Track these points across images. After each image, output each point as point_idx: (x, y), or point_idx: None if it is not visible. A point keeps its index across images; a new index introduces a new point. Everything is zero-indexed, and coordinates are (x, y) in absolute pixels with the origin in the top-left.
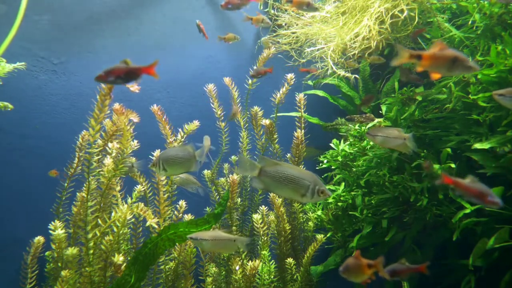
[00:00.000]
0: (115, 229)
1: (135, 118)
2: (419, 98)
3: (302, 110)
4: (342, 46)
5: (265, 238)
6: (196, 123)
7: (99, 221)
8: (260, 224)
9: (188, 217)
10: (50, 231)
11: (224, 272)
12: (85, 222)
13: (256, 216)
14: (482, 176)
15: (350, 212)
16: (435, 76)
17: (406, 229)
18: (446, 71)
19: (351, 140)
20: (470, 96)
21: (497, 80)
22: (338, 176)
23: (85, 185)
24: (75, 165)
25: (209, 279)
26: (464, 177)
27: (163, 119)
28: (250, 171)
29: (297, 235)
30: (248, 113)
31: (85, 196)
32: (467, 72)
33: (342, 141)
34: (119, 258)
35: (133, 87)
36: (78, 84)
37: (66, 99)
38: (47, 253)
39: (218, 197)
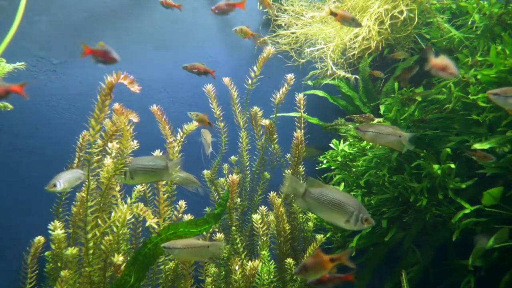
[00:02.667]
0: (114, 229)
1: (134, 118)
2: (419, 99)
3: (302, 110)
4: (342, 46)
5: (265, 238)
6: (195, 123)
7: (99, 221)
8: (260, 224)
9: (187, 217)
10: (50, 231)
11: (223, 272)
12: (84, 222)
13: (255, 216)
14: (482, 176)
15: None
16: None
17: (405, 229)
18: None
19: (350, 140)
20: (469, 96)
21: (496, 81)
22: (337, 176)
23: (84, 185)
24: (75, 165)
25: (208, 279)
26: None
27: (163, 119)
28: (295, 191)
29: (296, 235)
30: (247, 113)
31: (85, 196)
32: None
33: (341, 141)
34: (118, 258)
35: (134, 87)
36: (78, 84)
37: (66, 99)
38: (46, 253)
39: (217, 197)
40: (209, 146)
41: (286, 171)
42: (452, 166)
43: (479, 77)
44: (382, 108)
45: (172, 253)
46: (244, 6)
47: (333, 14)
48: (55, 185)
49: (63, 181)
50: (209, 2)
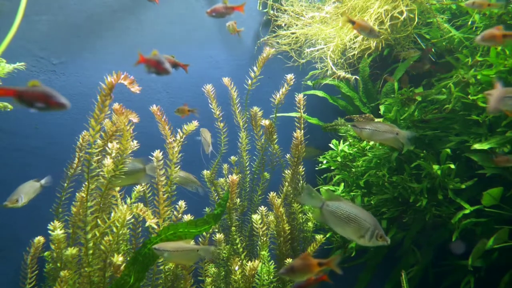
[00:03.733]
0: (114, 230)
1: (134, 119)
2: (419, 99)
3: (302, 111)
4: (342, 46)
5: (265, 239)
6: (195, 123)
7: (99, 222)
8: (260, 224)
9: (187, 217)
10: (49, 232)
11: (223, 273)
12: (84, 223)
13: (255, 217)
14: (481, 176)
15: None
16: None
17: (405, 229)
18: None
19: (350, 140)
20: (469, 96)
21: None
22: (337, 177)
23: (84, 185)
24: (75, 165)
25: (208, 280)
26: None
27: (163, 120)
28: (313, 202)
29: (296, 236)
30: (247, 113)
31: (85, 196)
32: None
33: (341, 141)
34: (118, 259)
35: (134, 87)
36: (77, 84)
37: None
38: (46, 253)
39: (217, 197)
40: (209, 145)
41: (286, 172)
42: (452, 166)
43: (479, 77)
44: (382, 108)
45: (161, 255)
46: (243, 9)
47: (351, 22)
48: (17, 200)
49: (23, 195)
50: (209, 2)
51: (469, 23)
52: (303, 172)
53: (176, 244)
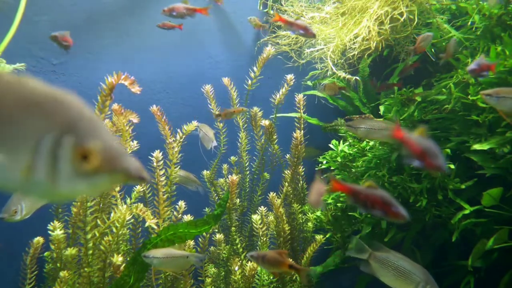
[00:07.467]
0: (114, 230)
1: (135, 119)
2: (419, 99)
3: (302, 111)
4: (342, 47)
5: (264, 239)
6: (195, 123)
7: (98, 222)
8: (260, 224)
9: (187, 217)
10: (49, 232)
11: (223, 273)
12: (84, 223)
13: (255, 217)
14: (481, 176)
15: (350, 213)
16: None
17: (405, 230)
18: None
19: (350, 140)
20: (469, 97)
21: (496, 81)
22: (337, 177)
23: None
24: None
25: (208, 280)
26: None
27: (163, 120)
28: (360, 253)
29: (296, 236)
30: (247, 113)
31: (84, 196)
32: None
33: (341, 141)
34: (118, 259)
35: (135, 88)
36: (77, 85)
37: None
38: (46, 253)
39: (217, 198)
40: (213, 140)
41: (286, 172)
42: (452, 166)
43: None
44: (381, 108)
45: (151, 263)
46: (207, 12)
47: (412, 51)
48: None
49: None
50: (209, 3)
51: (469, 23)
52: (303, 172)
53: (166, 250)
